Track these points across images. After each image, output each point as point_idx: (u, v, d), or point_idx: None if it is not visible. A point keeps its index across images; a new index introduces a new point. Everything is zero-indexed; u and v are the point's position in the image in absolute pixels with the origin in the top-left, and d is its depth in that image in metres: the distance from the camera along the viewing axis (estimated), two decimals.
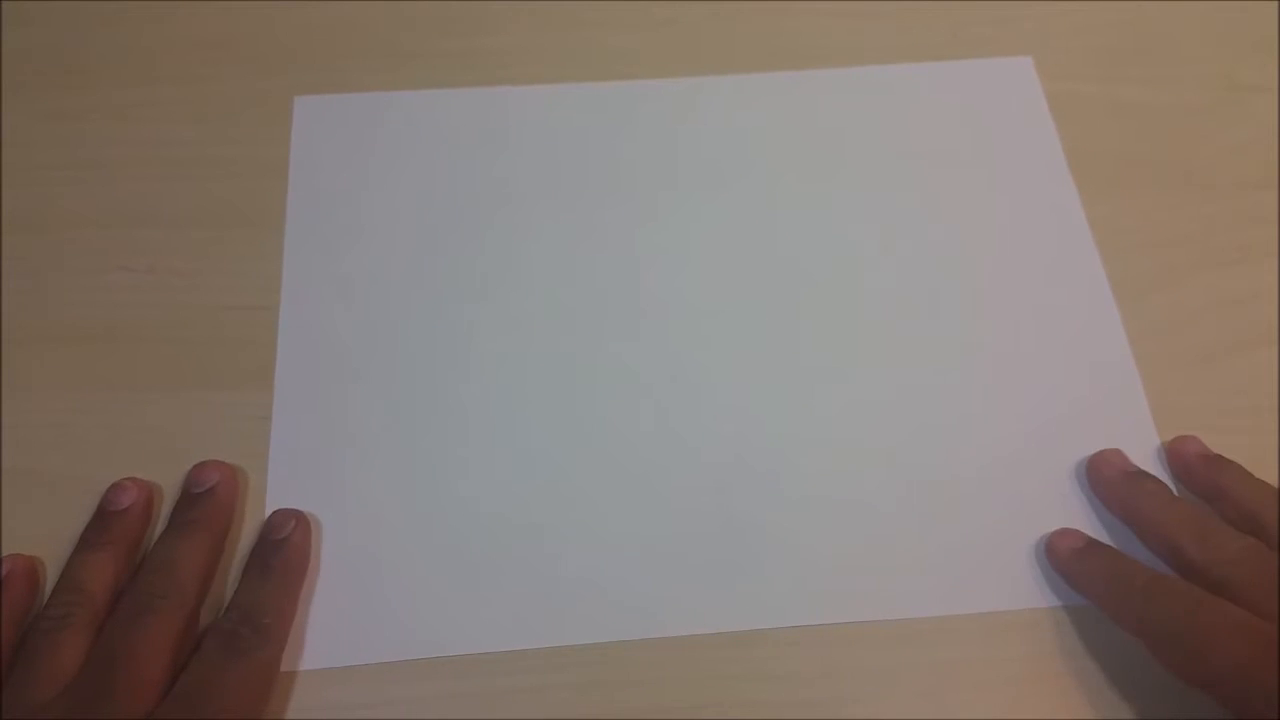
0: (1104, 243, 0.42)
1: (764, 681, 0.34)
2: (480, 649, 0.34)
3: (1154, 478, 0.36)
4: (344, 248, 0.41)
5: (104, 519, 0.35)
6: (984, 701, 0.34)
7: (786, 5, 0.48)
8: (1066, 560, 0.35)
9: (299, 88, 0.45)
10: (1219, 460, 0.37)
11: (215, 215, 0.42)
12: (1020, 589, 0.35)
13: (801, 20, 0.47)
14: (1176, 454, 0.37)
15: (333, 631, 0.34)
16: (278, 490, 0.37)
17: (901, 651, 0.34)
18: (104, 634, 0.32)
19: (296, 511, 0.36)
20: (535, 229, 0.42)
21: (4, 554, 0.35)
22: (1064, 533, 0.36)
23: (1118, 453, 0.37)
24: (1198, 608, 0.31)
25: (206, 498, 0.35)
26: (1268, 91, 0.46)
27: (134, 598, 0.33)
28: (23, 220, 0.42)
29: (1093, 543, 0.35)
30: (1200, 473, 0.37)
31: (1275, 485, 0.35)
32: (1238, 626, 0.30)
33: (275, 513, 0.36)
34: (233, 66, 0.45)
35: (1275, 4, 0.48)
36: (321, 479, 0.37)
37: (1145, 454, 0.38)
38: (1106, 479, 0.37)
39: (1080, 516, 0.37)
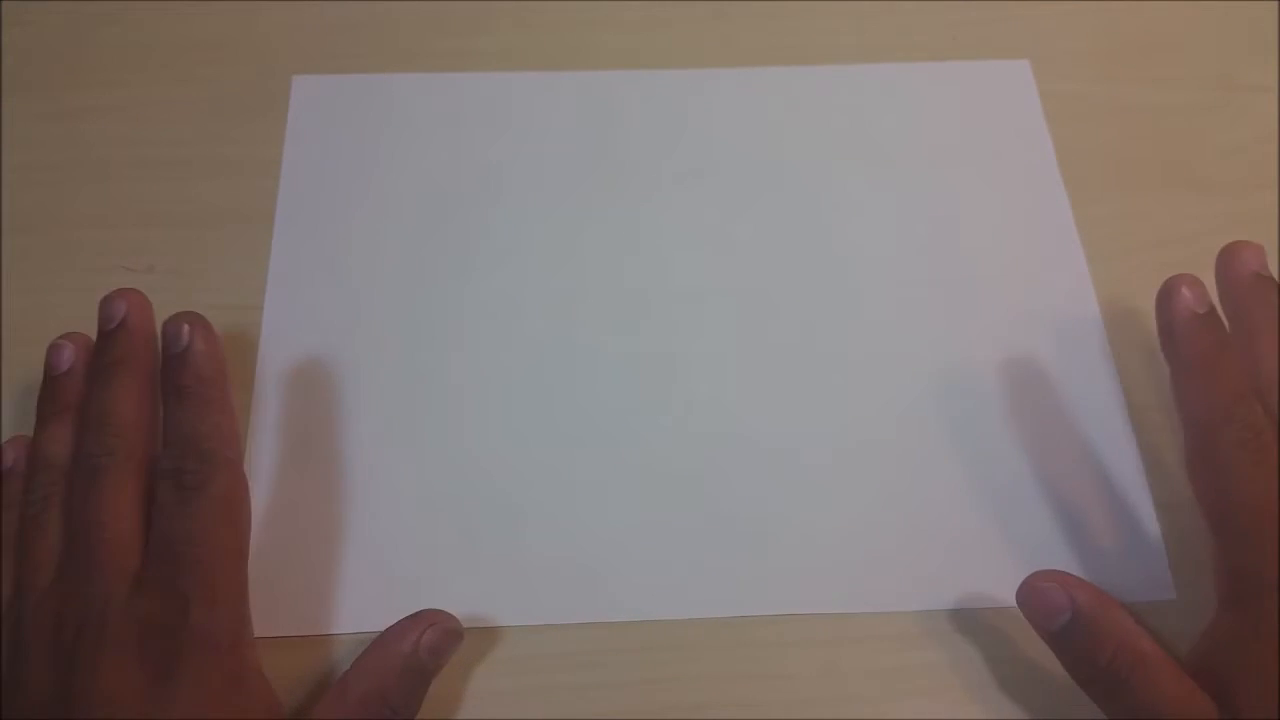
0: (1103, 243, 0.42)
1: (764, 681, 0.34)
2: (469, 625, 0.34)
3: None
4: (336, 231, 0.41)
5: (50, 386, 0.33)
6: (984, 701, 0.34)
7: (785, 5, 0.48)
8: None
9: None
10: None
11: (216, 215, 0.42)
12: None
13: (801, 20, 0.47)
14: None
15: (324, 604, 0.34)
16: (262, 479, 0.36)
17: (902, 651, 0.34)
18: (69, 510, 0.31)
19: (188, 314, 0.33)
20: (531, 216, 0.42)
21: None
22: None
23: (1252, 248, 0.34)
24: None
25: (120, 333, 0.33)
26: (1268, 91, 0.46)
27: (81, 464, 0.31)
28: (23, 220, 0.42)
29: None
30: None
31: None
32: None
33: (166, 323, 0.33)
34: (232, 67, 0.45)
35: (1275, 4, 0.48)
36: (306, 465, 0.37)
37: (1124, 454, 0.38)
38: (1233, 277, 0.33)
39: (1077, 517, 0.37)
